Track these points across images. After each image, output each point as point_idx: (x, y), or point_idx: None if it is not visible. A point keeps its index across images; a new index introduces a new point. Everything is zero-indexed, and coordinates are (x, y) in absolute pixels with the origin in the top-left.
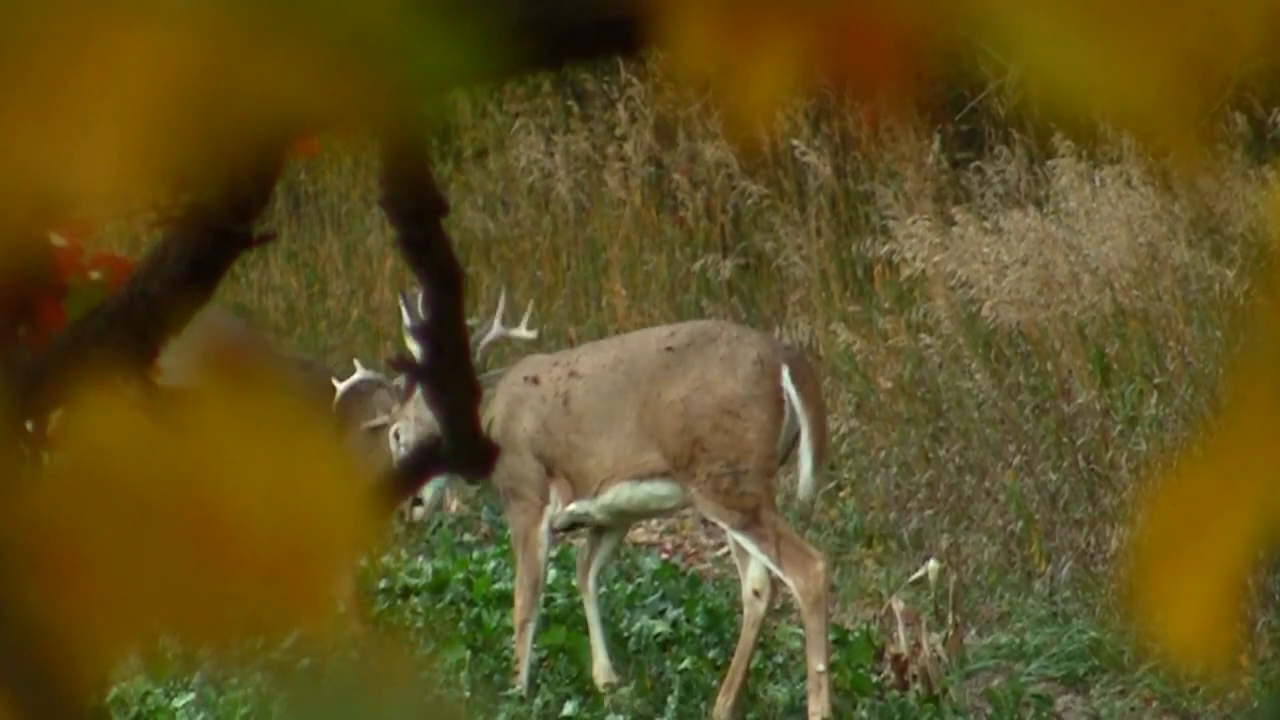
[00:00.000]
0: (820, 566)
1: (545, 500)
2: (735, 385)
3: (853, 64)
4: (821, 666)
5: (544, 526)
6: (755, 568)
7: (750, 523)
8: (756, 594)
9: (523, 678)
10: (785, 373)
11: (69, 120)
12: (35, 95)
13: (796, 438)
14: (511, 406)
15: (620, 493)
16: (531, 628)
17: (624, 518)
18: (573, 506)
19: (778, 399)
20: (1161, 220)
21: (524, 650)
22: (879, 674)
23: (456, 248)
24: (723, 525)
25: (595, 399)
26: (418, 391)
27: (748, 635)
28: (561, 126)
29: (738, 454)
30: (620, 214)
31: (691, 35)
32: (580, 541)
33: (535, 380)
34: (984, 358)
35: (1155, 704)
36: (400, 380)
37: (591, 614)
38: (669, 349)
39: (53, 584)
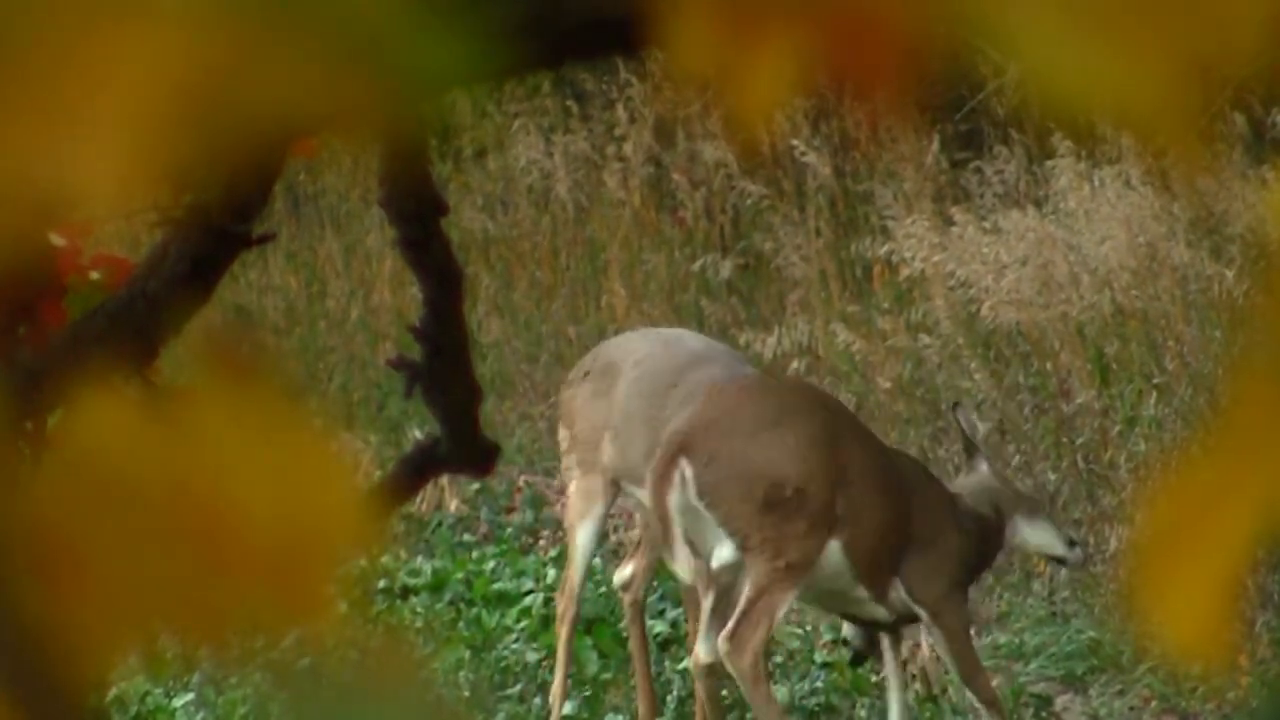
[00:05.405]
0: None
1: None
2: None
3: (852, 64)
4: None
5: None
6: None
7: None
8: None
9: None
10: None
11: (70, 120)
12: (36, 95)
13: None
14: None
15: None
16: None
17: None
18: None
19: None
20: (1161, 220)
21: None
22: (879, 674)
23: (456, 248)
24: None
25: None
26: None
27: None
28: (561, 126)
29: None
30: (619, 214)
31: (691, 35)
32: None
33: None
34: (983, 358)
35: (1154, 704)
36: None
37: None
38: None
39: (53, 584)
